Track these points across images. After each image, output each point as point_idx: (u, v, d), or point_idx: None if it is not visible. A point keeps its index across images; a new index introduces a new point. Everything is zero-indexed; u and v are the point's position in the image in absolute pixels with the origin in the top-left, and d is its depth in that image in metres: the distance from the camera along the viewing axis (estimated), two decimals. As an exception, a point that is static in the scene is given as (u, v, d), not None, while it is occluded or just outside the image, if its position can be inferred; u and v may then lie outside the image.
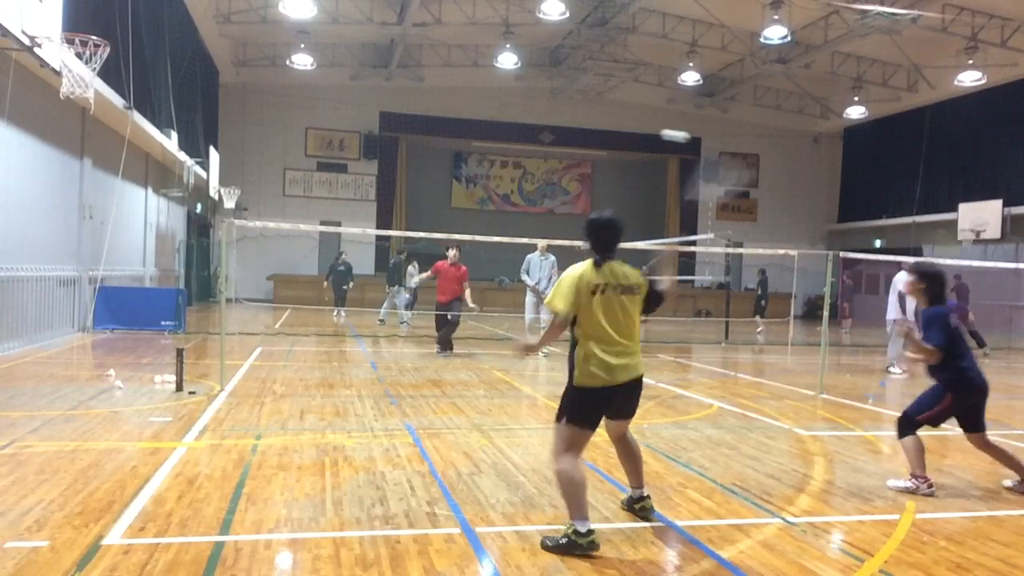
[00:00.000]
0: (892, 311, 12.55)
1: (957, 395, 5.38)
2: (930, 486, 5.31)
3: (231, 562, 3.70)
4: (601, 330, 4.19)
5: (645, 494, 4.61)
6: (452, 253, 13.16)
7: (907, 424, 5.49)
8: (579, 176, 34.49)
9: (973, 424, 5.50)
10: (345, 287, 21.13)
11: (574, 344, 4.28)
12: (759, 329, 21.40)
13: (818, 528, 4.53)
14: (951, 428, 7.11)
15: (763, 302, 22.26)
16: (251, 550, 3.86)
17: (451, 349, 13.12)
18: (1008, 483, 5.51)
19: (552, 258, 13.51)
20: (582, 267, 4.27)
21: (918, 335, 5.48)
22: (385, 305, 20.00)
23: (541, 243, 13.28)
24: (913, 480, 5.35)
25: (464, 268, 13.16)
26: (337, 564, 3.71)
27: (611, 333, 4.20)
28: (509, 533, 4.24)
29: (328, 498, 4.73)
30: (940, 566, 3.97)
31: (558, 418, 4.27)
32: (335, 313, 21.41)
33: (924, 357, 5.37)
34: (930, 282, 5.56)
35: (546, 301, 4.26)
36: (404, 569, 3.67)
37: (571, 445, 4.19)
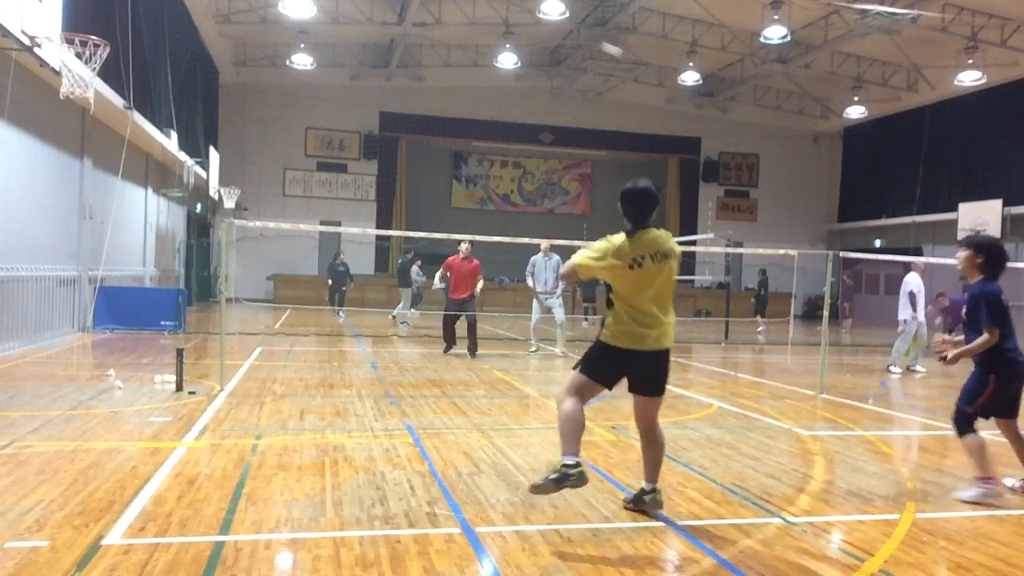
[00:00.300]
0: (904, 311, 12.54)
1: (1000, 377, 5.15)
2: (995, 483, 5.16)
3: (231, 562, 3.70)
4: (634, 300, 4.32)
5: (657, 487, 4.62)
6: (465, 247, 12.80)
7: (962, 419, 5.24)
8: (579, 176, 34.49)
9: (1007, 410, 5.27)
10: (344, 288, 21.22)
11: (609, 304, 4.41)
12: (760, 328, 21.45)
13: (818, 528, 4.53)
14: (950, 428, 7.11)
15: (752, 300, 22.57)
16: (251, 550, 3.86)
17: (465, 347, 13.02)
18: (1010, 482, 5.44)
19: (556, 258, 13.41)
20: (616, 241, 4.35)
21: (953, 339, 5.31)
22: (400, 305, 20.11)
23: (544, 244, 13.20)
24: (982, 484, 5.17)
25: (476, 261, 12.86)
26: (337, 564, 3.71)
27: (643, 304, 4.32)
28: (509, 533, 4.24)
29: (328, 498, 4.73)
30: (940, 566, 3.97)
31: (575, 366, 4.46)
32: (335, 313, 21.39)
33: (983, 347, 5.11)
34: (988, 254, 5.27)
35: (573, 258, 4.43)
36: (404, 569, 3.67)
37: (579, 390, 4.37)
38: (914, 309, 12.41)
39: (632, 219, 4.40)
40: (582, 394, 4.37)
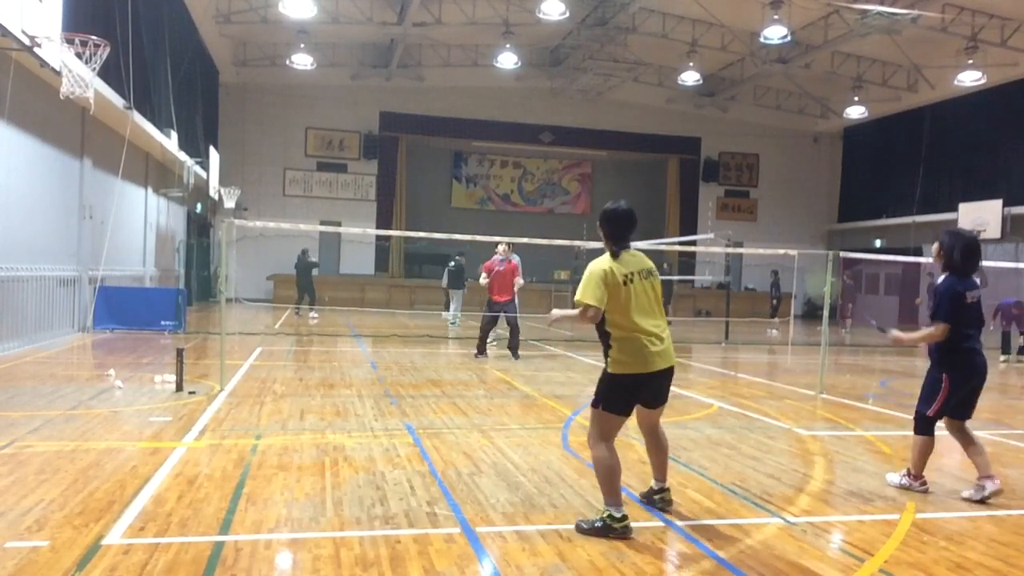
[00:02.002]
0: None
1: (954, 376, 5.10)
2: (923, 484, 5.28)
3: (231, 562, 3.70)
4: (633, 319, 4.29)
5: (666, 487, 4.77)
6: (502, 248, 12.68)
7: (923, 422, 5.27)
8: (579, 176, 34.49)
9: (959, 410, 5.23)
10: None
11: (606, 335, 4.35)
12: (774, 329, 21.70)
13: (818, 528, 4.53)
14: (944, 429, 7.09)
15: (774, 302, 22.69)
16: (251, 550, 3.86)
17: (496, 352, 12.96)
18: (966, 493, 5.26)
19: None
20: (604, 261, 4.36)
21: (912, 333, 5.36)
22: (453, 308, 19.95)
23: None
24: (907, 477, 5.33)
25: (515, 262, 12.79)
26: (337, 564, 3.71)
27: (643, 321, 4.32)
28: (509, 533, 4.24)
29: (328, 498, 4.73)
30: (940, 566, 3.97)
31: (594, 404, 4.41)
32: (310, 312, 20.35)
33: (926, 338, 5.12)
34: (947, 247, 5.21)
35: (576, 297, 4.32)
36: (404, 569, 3.67)
37: (606, 432, 4.35)
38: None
39: (617, 239, 4.43)
40: (610, 435, 4.36)
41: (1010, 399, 10.59)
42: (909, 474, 5.34)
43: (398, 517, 4.41)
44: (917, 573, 3.87)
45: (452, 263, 20.27)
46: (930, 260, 12.64)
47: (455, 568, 3.71)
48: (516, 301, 12.87)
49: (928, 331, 5.14)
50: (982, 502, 5.09)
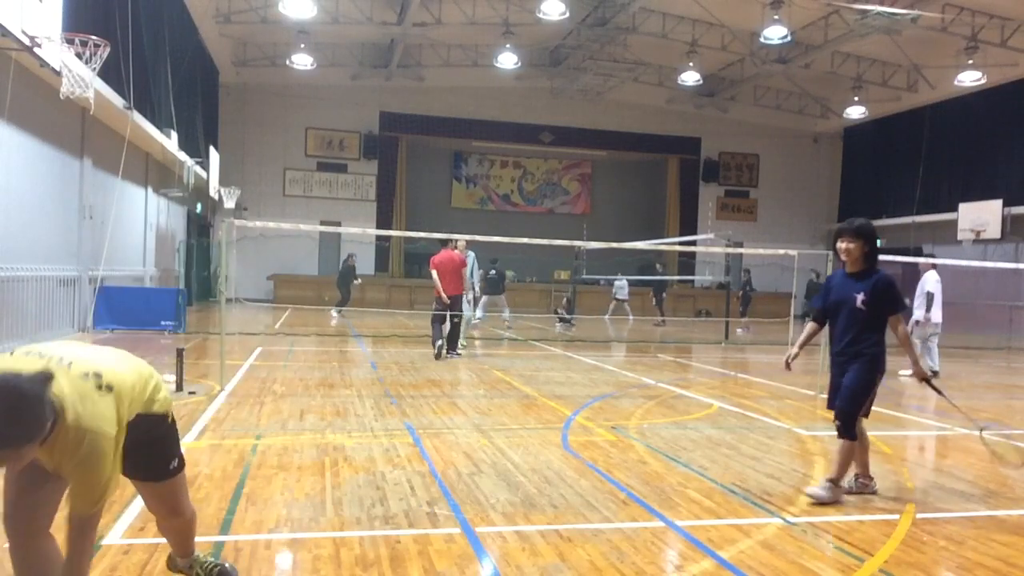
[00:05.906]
0: (918, 312, 12.32)
1: (878, 374, 5.02)
2: (874, 483, 5.20)
3: (231, 562, 3.70)
4: None
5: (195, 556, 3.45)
6: (462, 244, 12.75)
7: (852, 422, 5.04)
8: (579, 176, 34.50)
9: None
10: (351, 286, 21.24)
11: None
12: (742, 328, 21.80)
13: (818, 528, 4.53)
14: (951, 428, 7.13)
15: (737, 297, 23.02)
16: (251, 550, 3.86)
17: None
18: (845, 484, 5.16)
19: (472, 255, 13.74)
20: None
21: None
22: (507, 311, 19.86)
23: (460, 242, 13.33)
24: (832, 485, 5.03)
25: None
26: (337, 564, 3.71)
27: None
28: (509, 533, 4.23)
29: (328, 498, 4.73)
30: (940, 566, 3.97)
31: (179, 468, 3.12)
32: (334, 310, 21.21)
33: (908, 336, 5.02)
34: (867, 238, 5.03)
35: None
36: (404, 569, 3.67)
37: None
38: (928, 309, 12.19)
39: None
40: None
41: (1010, 399, 10.60)
42: (833, 482, 5.02)
43: (398, 517, 4.40)
44: (917, 573, 3.87)
45: (492, 271, 19.77)
46: (930, 260, 12.58)
47: (455, 568, 3.71)
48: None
49: (905, 333, 5.06)
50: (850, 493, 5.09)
